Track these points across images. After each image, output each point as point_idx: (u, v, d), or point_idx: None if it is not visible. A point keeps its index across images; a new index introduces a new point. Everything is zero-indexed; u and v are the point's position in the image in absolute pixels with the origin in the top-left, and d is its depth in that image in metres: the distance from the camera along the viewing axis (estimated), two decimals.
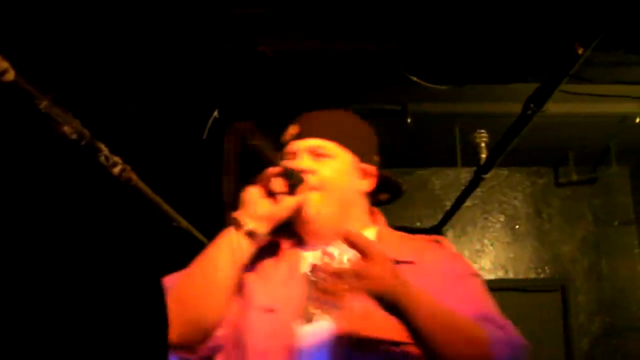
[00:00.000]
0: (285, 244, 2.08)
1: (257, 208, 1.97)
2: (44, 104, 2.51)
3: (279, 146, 2.19)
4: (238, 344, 1.91)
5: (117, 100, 4.51)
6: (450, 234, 6.89)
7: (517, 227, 6.99)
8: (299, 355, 1.84)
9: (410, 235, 2.23)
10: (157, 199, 4.53)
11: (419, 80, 3.89)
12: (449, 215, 6.08)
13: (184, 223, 5.51)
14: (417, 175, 6.86)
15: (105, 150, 3.40)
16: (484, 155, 4.62)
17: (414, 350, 1.80)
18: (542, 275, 6.91)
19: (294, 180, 1.98)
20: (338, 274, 1.64)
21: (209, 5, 3.47)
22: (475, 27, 3.63)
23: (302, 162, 2.06)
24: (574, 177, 6.79)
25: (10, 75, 2.21)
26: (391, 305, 1.70)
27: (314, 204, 2.03)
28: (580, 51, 2.77)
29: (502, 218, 7.01)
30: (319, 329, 1.87)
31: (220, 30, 3.72)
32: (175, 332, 1.83)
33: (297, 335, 1.86)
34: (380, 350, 1.83)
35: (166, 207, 4.84)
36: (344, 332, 1.85)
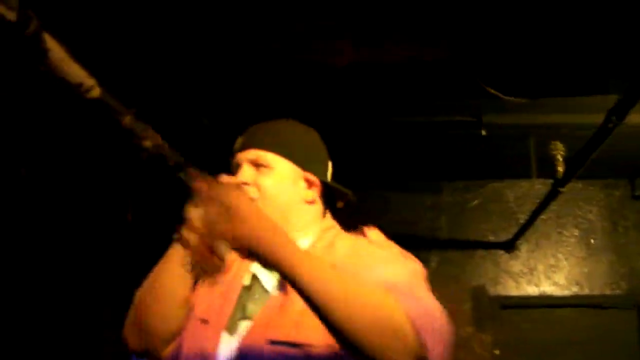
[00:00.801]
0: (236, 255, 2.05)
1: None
2: (127, 120, 2.53)
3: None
4: (177, 354, 2.01)
5: (195, 113, 4.56)
6: (523, 248, 6.79)
7: (592, 241, 6.85)
8: None
9: (366, 244, 2.18)
10: None
11: (497, 93, 3.84)
12: (523, 229, 5.98)
13: None
14: (491, 187, 6.76)
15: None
16: (560, 169, 4.52)
17: (329, 349, 1.78)
18: (617, 292, 6.74)
19: None
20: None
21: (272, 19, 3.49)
22: (554, 37, 3.56)
23: (243, 174, 2.11)
24: None
25: (96, 92, 2.24)
26: (272, 265, 1.63)
27: None
28: None
29: (576, 232, 6.87)
30: (239, 336, 1.93)
31: (287, 41, 3.73)
32: (131, 338, 2.02)
33: (218, 346, 1.93)
34: (295, 352, 1.83)
35: None
36: (257, 336, 1.90)
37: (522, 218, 6.23)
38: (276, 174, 2.14)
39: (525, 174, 5.79)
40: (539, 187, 6.64)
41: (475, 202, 6.61)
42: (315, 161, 2.29)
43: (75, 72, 2.17)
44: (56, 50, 1.99)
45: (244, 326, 1.97)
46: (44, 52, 1.99)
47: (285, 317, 1.91)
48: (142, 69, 3.85)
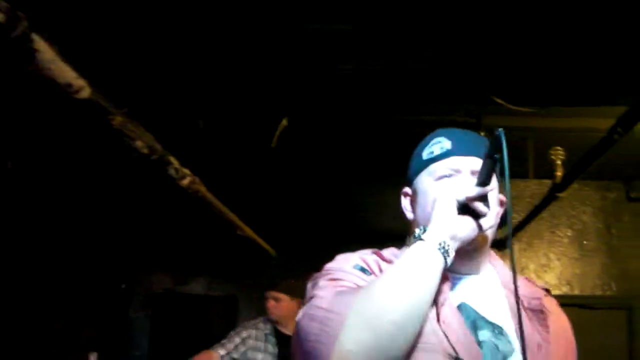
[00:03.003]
0: None
1: (460, 228, 1.76)
2: (117, 120, 2.47)
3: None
4: None
5: (190, 114, 4.49)
6: (516, 246, 6.76)
7: (585, 242, 6.82)
8: None
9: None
10: (224, 208, 4.54)
11: (503, 102, 3.78)
12: (517, 229, 5.94)
13: (249, 231, 5.53)
14: None
15: (175, 163, 3.39)
16: (559, 173, 4.48)
17: None
18: (608, 293, 6.74)
19: (487, 203, 1.79)
20: None
21: (286, 19, 3.39)
22: (562, 46, 3.50)
23: (490, 181, 1.80)
24: None
25: (86, 93, 2.17)
26: None
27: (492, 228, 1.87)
28: None
29: (569, 232, 6.85)
30: None
31: (297, 44, 3.65)
32: None
33: None
34: None
35: (232, 216, 4.85)
36: None
37: (516, 217, 6.19)
38: (493, 188, 1.93)
39: (522, 175, 5.73)
40: (534, 187, 6.61)
41: None
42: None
43: (65, 73, 2.10)
44: (46, 51, 1.91)
45: None
46: (33, 53, 1.92)
47: None
48: (136, 69, 3.77)
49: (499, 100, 3.80)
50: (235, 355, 5.03)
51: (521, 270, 6.69)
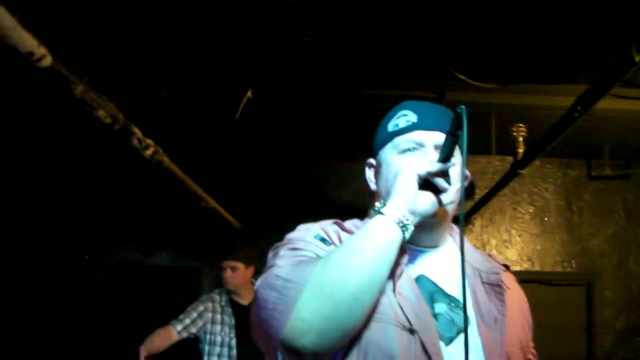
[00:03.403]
0: None
1: (419, 202, 1.77)
2: (79, 89, 2.45)
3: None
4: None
5: (152, 84, 4.46)
6: (477, 222, 6.83)
7: (546, 219, 6.90)
8: None
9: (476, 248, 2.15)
10: (187, 179, 4.53)
11: (466, 79, 3.81)
12: (478, 205, 5.99)
13: (213, 203, 5.52)
14: None
15: (138, 133, 3.37)
16: (520, 150, 4.51)
17: None
18: (568, 269, 6.83)
19: (448, 179, 1.81)
20: None
21: None
22: (525, 24, 3.52)
23: (451, 157, 1.82)
24: (608, 172, 6.67)
25: (48, 61, 2.16)
26: None
27: (451, 205, 1.90)
28: (637, 58, 2.65)
29: (531, 209, 6.93)
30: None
31: (259, 15, 3.64)
32: (314, 335, 1.61)
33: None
34: None
35: (195, 188, 4.83)
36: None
37: (479, 193, 6.24)
38: (456, 163, 1.87)
39: (484, 150, 5.77)
40: (497, 163, 6.69)
41: None
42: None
43: (26, 40, 2.08)
44: (5, 19, 1.89)
45: None
46: None
47: None
48: (99, 38, 3.74)
49: (461, 76, 3.82)
50: (193, 330, 5.06)
51: (483, 246, 6.77)
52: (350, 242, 1.75)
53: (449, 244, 2.03)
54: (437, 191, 1.80)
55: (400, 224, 1.73)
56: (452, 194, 1.81)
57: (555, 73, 3.95)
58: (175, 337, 5.00)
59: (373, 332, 1.71)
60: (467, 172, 1.96)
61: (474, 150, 6.43)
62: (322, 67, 4.35)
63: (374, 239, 1.72)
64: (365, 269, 1.66)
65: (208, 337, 5.08)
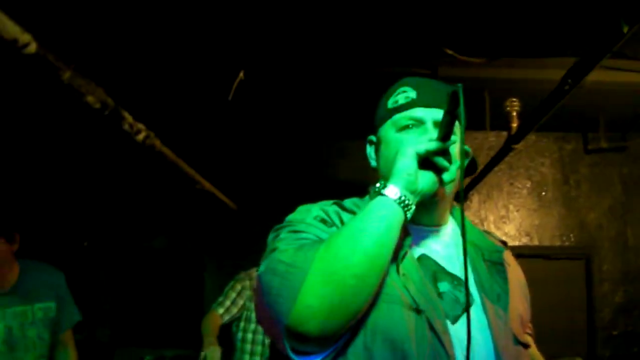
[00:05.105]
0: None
1: (419, 181, 1.77)
2: (66, 75, 2.44)
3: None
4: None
5: (141, 67, 4.45)
6: (475, 198, 6.83)
7: (543, 193, 6.90)
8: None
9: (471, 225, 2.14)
10: (181, 162, 4.52)
11: (454, 54, 3.80)
12: (475, 181, 5.99)
13: (207, 185, 5.52)
14: None
15: (129, 118, 3.37)
16: (514, 125, 4.52)
17: None
18: (567, 243, 6.83)
19: (448, 157, 1.80)
20: None
21: None
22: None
23: (450, 135, 1.79)
24: (604, 144, 6.67)
25: (33, 48, 2.15)
26: None
27: (452, 184, 1.89)
28: (625, 29, 2.64)
29: (528, 184, 6.92)
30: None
31: None
32: (319, 320, 1.61)
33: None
34: None
35: (189, 170, 4.83)
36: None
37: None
38: (456, 140, 1.87)
39: (480, 126, 5.77)
40: (493, 139, 6.68)
41: None
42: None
43: (9, 27, 2.07)
44: None
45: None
46: None
47: None
48: (86, 23, 3.73)
49: (450, 51, 3.81)
50: (234, 310, 5.07)
51: (481, 222, 6.77)
52: (352, 224, 1.74)
53: (450, 222, 2.04)
54: (437, 170, 1.80)
55: (402, 204, 1.74)
56: (452, 172, 1.82)
57: (543, 46, 3.94)
58: (219, 320, 5.00)
59: (380, 313, 1.72)
60: (469, 149, 1.97)
61: (469, 126, 6.39)
62: (316, 46, 4.34)
63: (375, 220, 1.71)
64: (368, 251, 1.66)
65: (245, 313, 5.09)
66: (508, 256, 2.07)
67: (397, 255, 1.78)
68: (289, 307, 1.62)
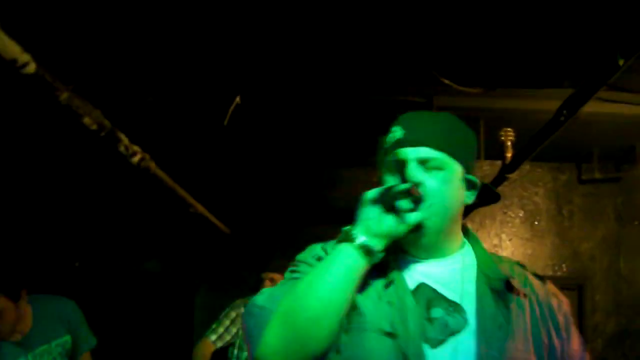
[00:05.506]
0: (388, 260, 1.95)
1: (380, 225, 1.82)
2: (64, 96, 2.45)
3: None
4: None
5: (139, 90, 4.45)
6: (467, 227, 6.82)
7: (536, 223, 6.90)
8: None
9: (497, 255, 2.16)
10: (175, 185, 4.52)
11: (450, 83, 3.81)
12: (468, 210, 5.98)
13: (201, 208, 5.52)
14: None
15: (125, 140, 3.37)
16: (509, 154, 4.53)
17: None
18: (559, 273, 6.83)
19: (416, 197, 1.84)
20: None
21: None
22: (510, 28, 3.54)
23: (413, 173, 1.89)
24: (597, 175, 6.68)
25: (32, 68, 2.15)
26: None
27: (432, 219, 1.89)
28: (620, 62, 2.66)
29: (521, 213, 6.93)
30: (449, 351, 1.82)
31: (248, 19, 3.64)
32: (279, 358, 1.75)
33: None
34: None
35: (183, 193, 4.83)
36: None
37: None
38: (446, 175, 1.92)
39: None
40: (487, 168, 6.68)
41: None
42: (475, 161, 2.07)
43: (9, 47, 2.08)
44: None
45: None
46: None
47: None
48: (84, 44, 3.73)
49: (447, 81, 3.83)
50: (227, 338, 5.12)
51: None
52: (314, 270, 1.85)
53: (462, 249, 2.05)
54: (401, 211, 1.83)
55: (363, 249, 1.79)
56: (420, 211, 1.84)
57: (539, 78, 3.97)
58: (212, 347, 5.05)
59: (355, 341, 1.79)
60: (476, 179, 2.00)
61: None
62: (311, 72, 4.35)
63: (332, 266, 1.81)
64: (321, 296, 1.76)
65: (239, 340, 5.13)
66: (537, 285, 2.12)
67: (384, 284, 1.87)
68: (256, 345, 1.77)
